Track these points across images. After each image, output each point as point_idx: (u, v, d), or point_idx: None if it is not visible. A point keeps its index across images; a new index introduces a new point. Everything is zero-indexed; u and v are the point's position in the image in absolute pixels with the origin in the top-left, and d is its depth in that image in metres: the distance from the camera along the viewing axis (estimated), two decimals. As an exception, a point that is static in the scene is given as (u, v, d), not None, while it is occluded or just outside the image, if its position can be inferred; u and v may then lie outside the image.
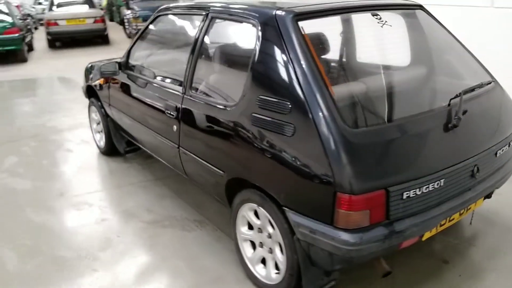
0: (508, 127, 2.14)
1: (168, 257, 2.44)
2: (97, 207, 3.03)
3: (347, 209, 1.59)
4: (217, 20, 2.36)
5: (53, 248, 2.55)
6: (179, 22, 2.84)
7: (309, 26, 1.90)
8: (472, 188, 1.93)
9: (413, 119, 1.82)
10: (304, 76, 1.73)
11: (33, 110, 5.77)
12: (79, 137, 4.43)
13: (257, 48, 1.96)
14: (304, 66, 1.75)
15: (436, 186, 1.74)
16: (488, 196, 2.13)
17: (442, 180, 1.76)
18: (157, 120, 2.72)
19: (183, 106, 2.39)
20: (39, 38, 12.32)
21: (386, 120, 1.79)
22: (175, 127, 2.47)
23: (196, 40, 2.39)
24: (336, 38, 2.32)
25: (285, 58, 1.81)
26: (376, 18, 2.12)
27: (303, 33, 1.85)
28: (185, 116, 2.39)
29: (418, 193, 1.69)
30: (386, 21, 2.13)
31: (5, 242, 2.63)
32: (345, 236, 1.61)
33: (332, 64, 2.27)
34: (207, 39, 2.38)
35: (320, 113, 1.65)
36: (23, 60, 9.53)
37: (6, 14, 9.45)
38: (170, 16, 2.92)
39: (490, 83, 2.22)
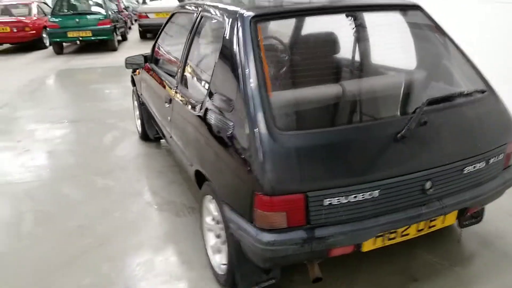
0: (488, 142, 1.96)
1: (153, 237, 2.65)
2: (111, 181, 3.38)
3: (263, 209, 1.63)
4: (204, 19, 2.48)
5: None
6: (184, 19, 3.01)
7: (280, 27, 1.94)
8: (427, 204, 1.82)
9: (352, 127, 1.78)
10: (247, 77, 1.78)
11: (105, 95, 6.43)
12: (131, 122, 4.87)
13: (221, 47, 2.05)
14: (249, 66, 1.80)
15: (368, 197, 1.69)
16: (462, 213, 1.98)
17: (376, 191, 1.69)
18: (160, 110, 2.96)
19: (174, 99, 2.58)
20: (136, 30, 13.50)
21: (318, 126, 1.75)
22: (169, 118, 2.67)
23: (188, 37, 2.55)
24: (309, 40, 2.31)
25: (237, 58, 1.87)
26: (350, 20, 2.08)
27: (258, 34, 1.89)
28: (174, 108, 2.57)
29: (344, 201, 1.66)
30: (360, 23, 2.08)
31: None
32: (261, 235, 1.65)
33: (292, 67, 2.24)
34: (196, 36, 2.52)
35: (253, 113, 1.69)
36: (113, 49, 10.53)
37: (101, 7, 10.53)
38: (182, 14, 3.11)
39: (478, 92, 2.05)
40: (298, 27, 2.70)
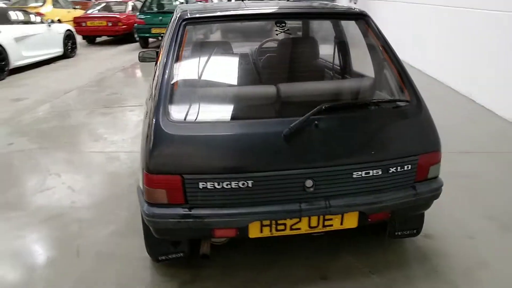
0: (387, 151, 1.99)
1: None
2: (122, 155, 3.86)
3: (147, 185, 1.89)
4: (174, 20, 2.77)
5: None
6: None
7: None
8: (309, 202, 1.92)
9: (233, 123, 1.94)
10: (163, 71, 2.04)
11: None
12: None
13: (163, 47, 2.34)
14: (167, 62, 2.06)
15: (241, 186, 1.85)
16: (364, 218, 2.01)
17: (249, 182, 1.85)
18: None
19: None
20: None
21: (203, 120, 1.94)
22: None
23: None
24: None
25: (164, 55, 2.14)
26: (279, 27, 2.22)
27: (184, 35, 2.14)
28: None
29: (218, 187, 1.84)
30: (288, 29, 2.21)
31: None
32: (146, 208, 1.91)
33: (206, 66, 2.39)
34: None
35: (156, 103, 1.95)
36: None
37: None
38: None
39: (392, 102, 2.07)
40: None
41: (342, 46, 2.69)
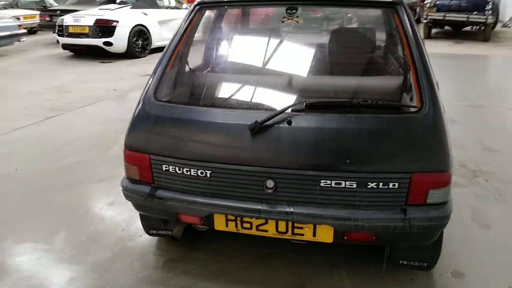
0: (365, 164, 1.70)
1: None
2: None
3: (124, 160, 1.99)
4: None
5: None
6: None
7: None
8: (270, 204, 1.79)
9: (209, 110, 1.88)
10: (165, 51, 2.11)
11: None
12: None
13: None
14: (171, 43, 2.12)
15: (200, 175, 1.82)
16: (340, 235, 1.80)
17: (207, 172, 1.80)
18: None
19: None
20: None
21: (182, 103, 1.93)
22: None
23: None
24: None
25: (174, 35, 2.20)
26: (289, 14, 2.07)
27: (194, 19, 2.18)
28: None
29: (179, 172, 1.84)
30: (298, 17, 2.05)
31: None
32: (123, 180, 2.03)
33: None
34: None
35: (148, 81, 2.03)
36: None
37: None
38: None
39: (393, 109, 1.76)
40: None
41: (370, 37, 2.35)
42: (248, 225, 1.88)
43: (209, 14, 2.26)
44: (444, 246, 2.01)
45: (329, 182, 1.71)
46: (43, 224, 2.65)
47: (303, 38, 2.49)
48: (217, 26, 2.46)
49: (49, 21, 10.47)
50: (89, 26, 8.11)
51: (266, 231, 1.87)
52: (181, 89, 2.06)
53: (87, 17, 8.27)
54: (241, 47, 2.37)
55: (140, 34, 8.46)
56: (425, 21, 10.39)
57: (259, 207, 1.79)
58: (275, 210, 1.77)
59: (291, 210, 1.76)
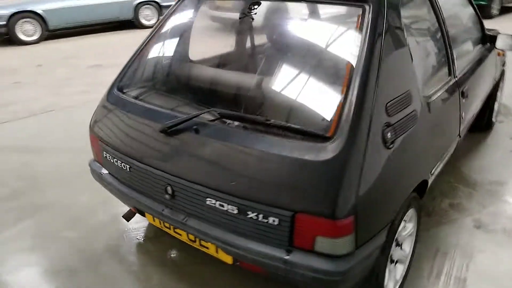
0: (250, 188, 1.50)
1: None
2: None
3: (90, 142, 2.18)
4: None
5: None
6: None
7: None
8: (171, 209, 1.74)
9: (145, 106, 1.90)
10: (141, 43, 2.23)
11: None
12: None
13: None
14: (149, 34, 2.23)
15: (123, 168, 1.88)
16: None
17: (128, 166, 1.86)
18: None
19: None
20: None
21: (133, 96, 2.00)
22: None
23: None
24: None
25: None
26: (252, 9, 1.94)
27: (175, 9, 2.26)
28: None
29: (111, 160, 1.95)
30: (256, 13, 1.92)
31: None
32: (90, 160, 2.21)
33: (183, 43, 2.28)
34: None
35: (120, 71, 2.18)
36: (489, 16, 9.56)
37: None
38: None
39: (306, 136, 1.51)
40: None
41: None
42: (167, 225, 1.83)
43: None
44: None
45: (213, 201, 1.58)
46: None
47: (251, 37, 2.27)
48: (181, 17, 2.34)
49: None
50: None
51: (180, 235, 1.82)
52: (132, 80, 2.13)
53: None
54: (189, 43, 2.27)
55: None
56: None
57: (163, 211, 1.76)
58: (174, 218, 1.73)
59: (186, 221, 1.68)
